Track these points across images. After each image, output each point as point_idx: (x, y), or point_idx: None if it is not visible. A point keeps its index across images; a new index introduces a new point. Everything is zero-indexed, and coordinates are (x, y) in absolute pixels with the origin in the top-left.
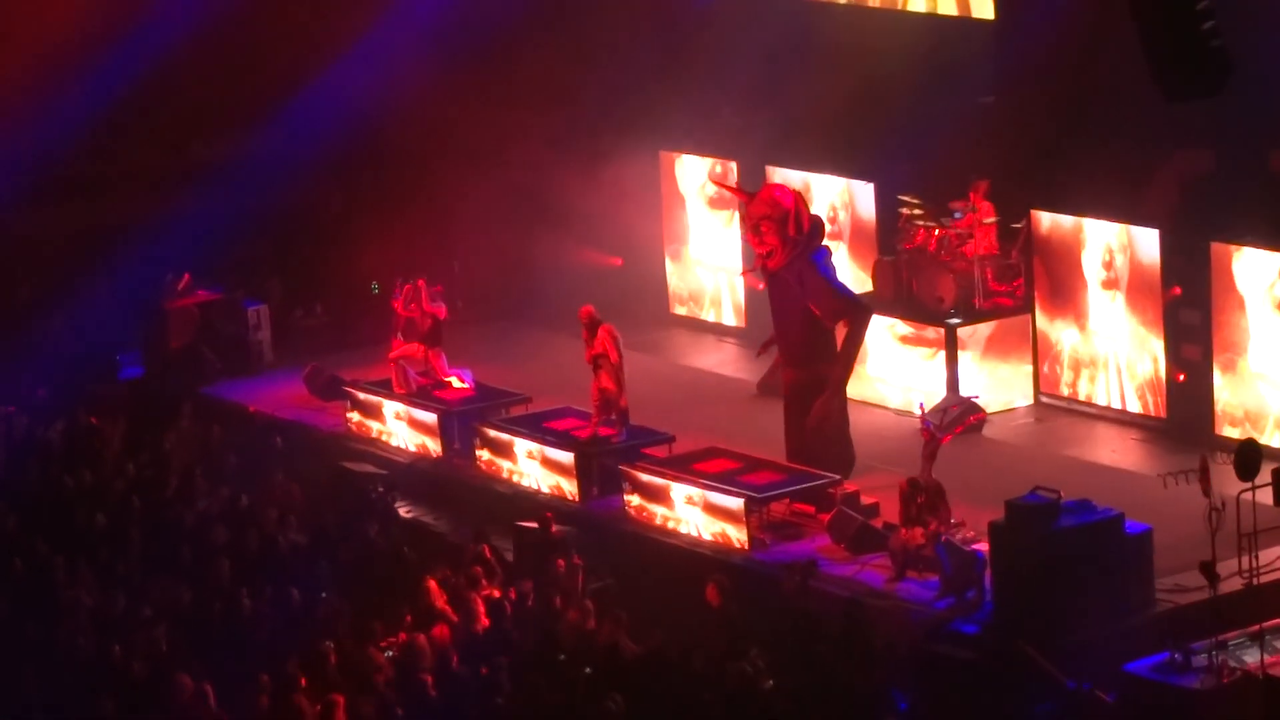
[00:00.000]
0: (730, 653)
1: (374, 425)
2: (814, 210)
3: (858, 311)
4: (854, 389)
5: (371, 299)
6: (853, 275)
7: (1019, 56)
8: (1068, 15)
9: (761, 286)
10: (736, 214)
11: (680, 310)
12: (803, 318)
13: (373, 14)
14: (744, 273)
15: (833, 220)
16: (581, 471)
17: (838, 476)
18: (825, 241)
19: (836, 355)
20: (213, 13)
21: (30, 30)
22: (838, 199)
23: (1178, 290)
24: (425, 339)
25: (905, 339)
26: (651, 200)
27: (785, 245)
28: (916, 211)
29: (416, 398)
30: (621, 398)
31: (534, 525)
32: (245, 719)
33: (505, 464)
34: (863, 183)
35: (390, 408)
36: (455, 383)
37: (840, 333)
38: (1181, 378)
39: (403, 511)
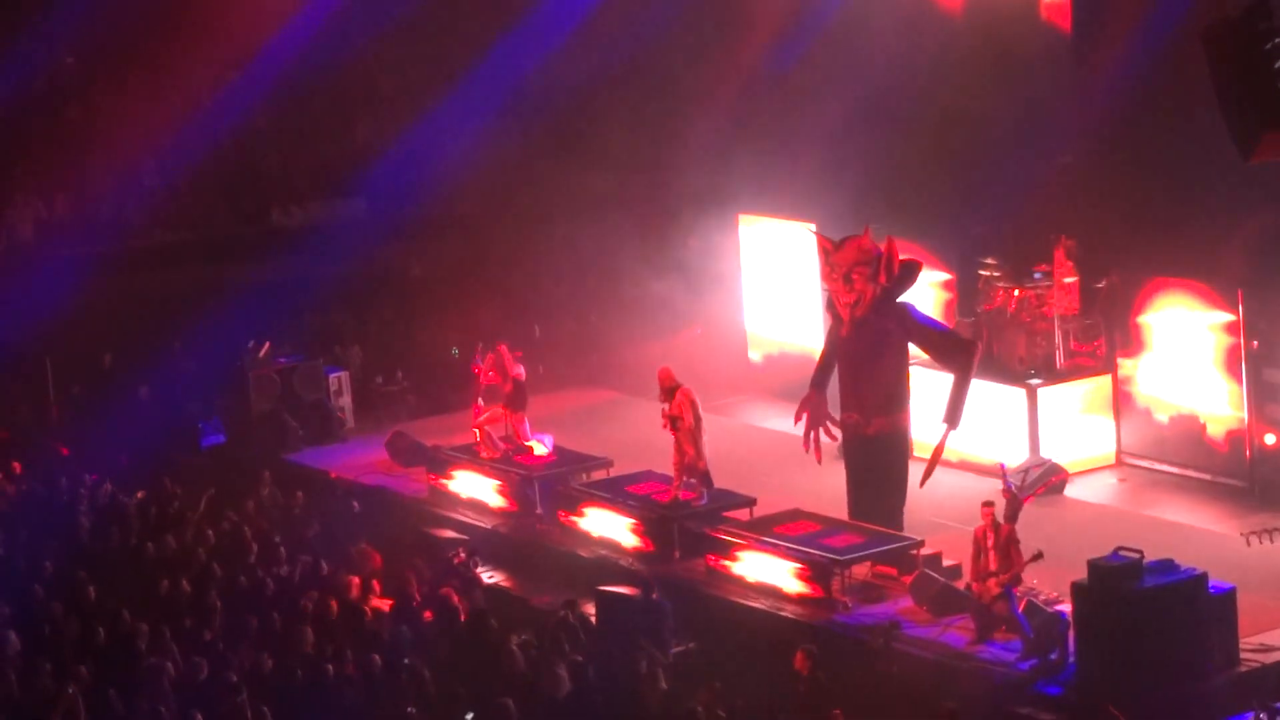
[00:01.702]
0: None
1: (456, 490)
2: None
3: (967, 348)
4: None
5: (452, 364)
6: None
7: (1099, 115)
8: (1148, 75)
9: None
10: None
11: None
12: (893, 364)
13: (453, 81)
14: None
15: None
16: (662, 535)
17: (920, 539)
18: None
19: (949, 396)
20: (292, 81)
21: (111, 99)
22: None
23: (1256, 344)
24: (508, 403)
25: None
26: (730, 263)
27: (874, 292)
28: (996, 273)
29: (499, 463)
30: (700, 461)
31: (621, 590)
32: None
33: (586, 528)
34: (941, 244)
35: (473, 473)
36: (537, 448)
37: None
38: (1272, 439)
39: (485, 577)
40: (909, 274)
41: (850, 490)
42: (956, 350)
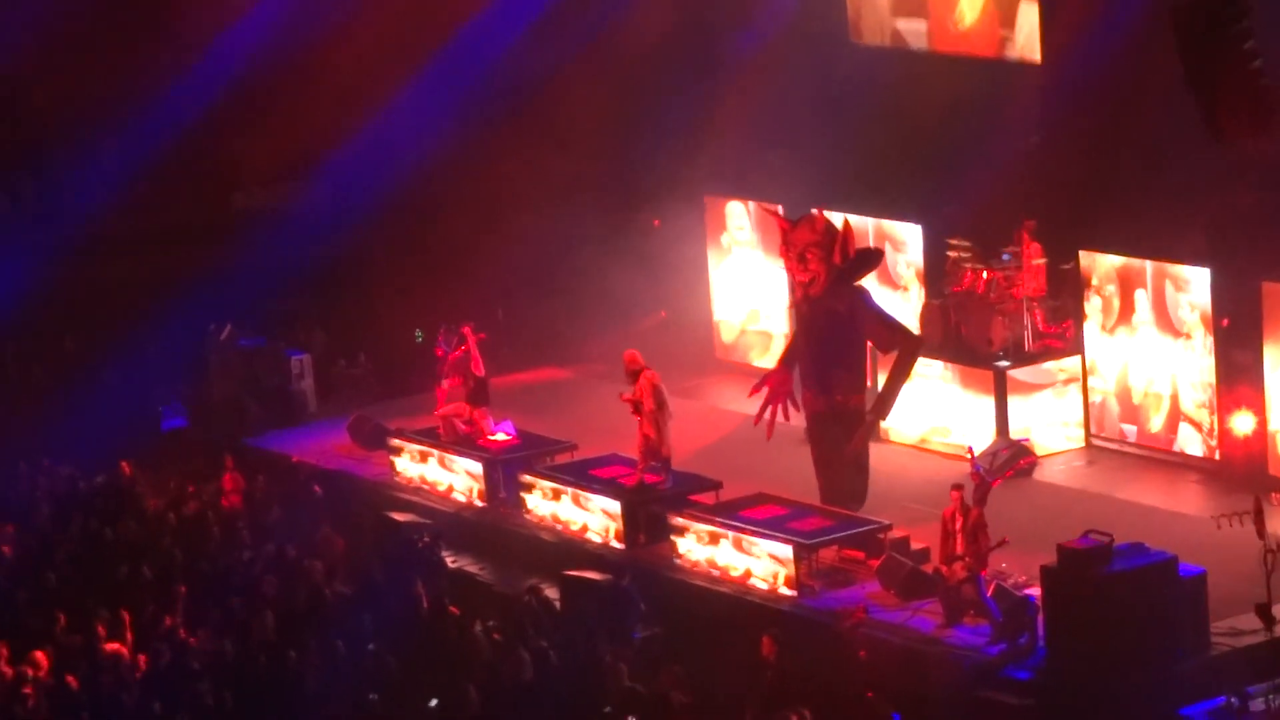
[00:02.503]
0: (782, 705)
1: (418, 475)
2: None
3: (910, 341)
4: (906, 432)
5: (415, 347)
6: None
7: (1066, 97)
8: (1114, 57)
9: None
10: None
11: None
12: (848, 347)
13: (416, 66)
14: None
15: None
16: (628, 518)
17: (888, 523)
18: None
19: (882, 387)
20: (254, 65)
21: (72, 83)
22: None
23: (1226, 322)
24: (471, 399)
25: (955, 381)
26: (696, 245)
27: (829, 273)
28: (965, 254)
29: (462, 446)
30: (664, 447)
31: (587, 575)
32: None
33: (551, 512)
34: (910, 225)
35: (436, 457)
36: (500, 438)
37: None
38: (1242, 420)
39: (448, 561)
40: (867, 260)
41: (817, 471)
42: (900, 344)
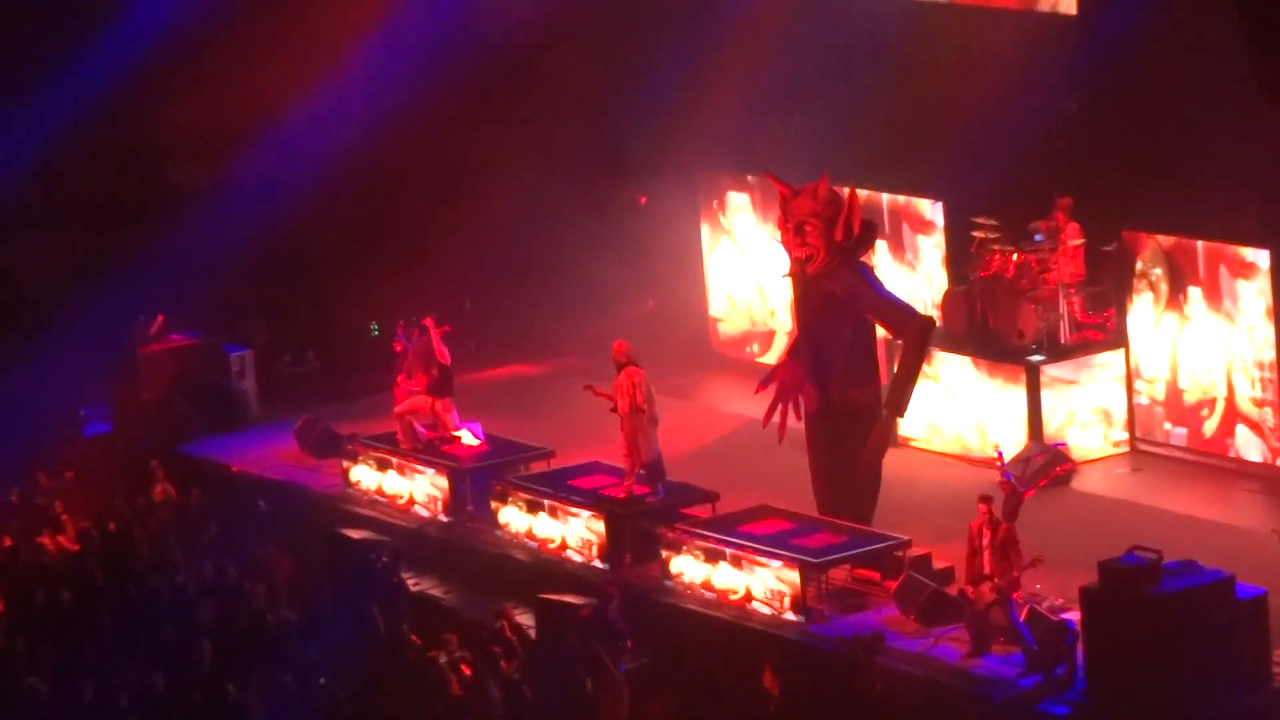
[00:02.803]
0: None
1: (375, 486)
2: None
3: (919, 326)
4: (924, 437)
5: (371, 342)
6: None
7: (1106, 55)
8: (1160, 8)
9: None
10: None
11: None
12: (850, 334)
13: (370, 26)
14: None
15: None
16: (613, 535)
17: (907, 538)
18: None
19: (892, 378)
20: (189, 21)
21: None
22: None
23: None
24: (432, 390)
25: (982, 378)
26: (690, 225)
27: (829, 249)
28: (992, 235)
29: (424, 454)
30: (642, 451)
31: (566, 599)
32: None
33: (524, 528)
34: (930, 201)
35: (394, 466)
36: (467, 437)
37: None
38: None
39: (409, 584)
40: (868, 235)
41: (814, 479)
42: (905, 326)
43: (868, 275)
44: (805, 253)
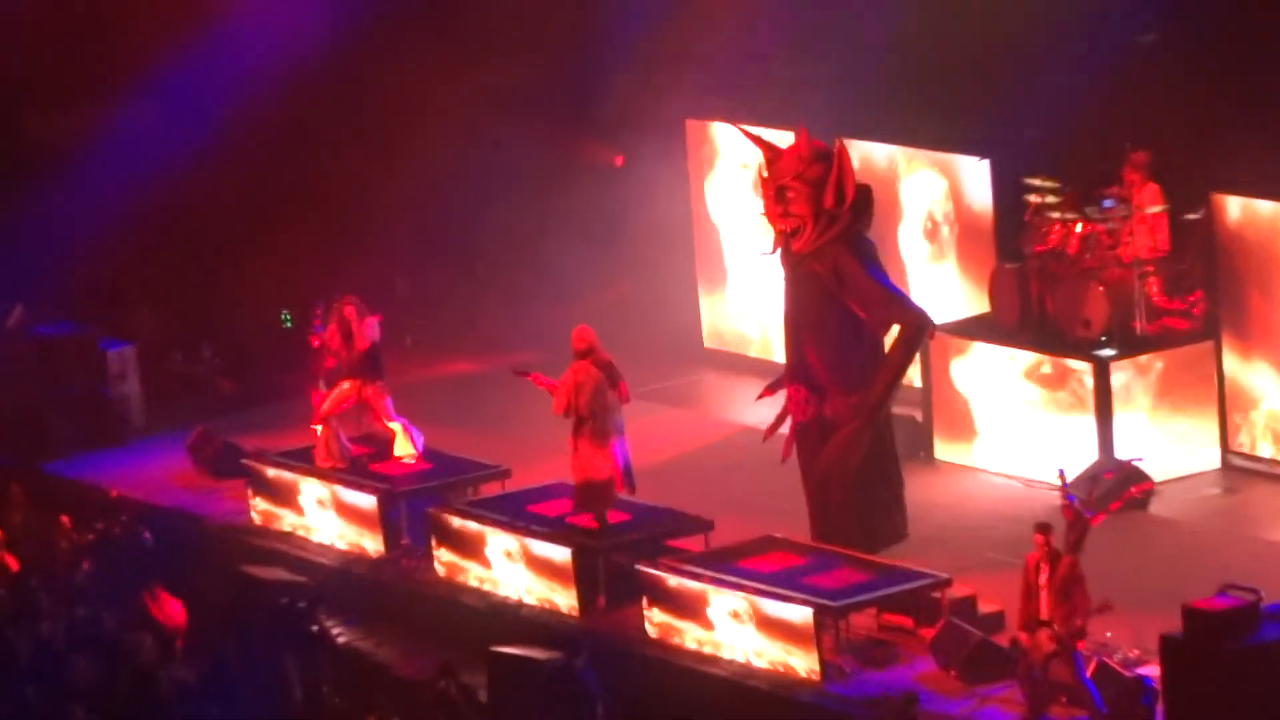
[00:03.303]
0: None
1: (288, 514)
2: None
3: (910, 320)
4: (963, 451)
5: (282, 334)
6: (961, 290)
7: None
8: None
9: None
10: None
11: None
12: (837, 324)
13: None
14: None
15: (931, 225)
16: (582, 574)
17: (945, 576)
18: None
19: (877, 373)
20: None
21: None
22: (938, 185)
23: None
24: (359, 374)
25: (1038, 379)
26: (675, 191)
27: (817, 221)
28: (1051, 199)
29: (348, 474)
30: (594, 469)
31: (525, 652)
32: None
33: (473, 566)
34: (974, 159)
35: (311, 489)
36: (402, 444)
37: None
38: None
39: (332, 634)
40: (864, 204)
41: (807, 501)
42: (892, 320)
43: (863, 251)
44: (789, 224)
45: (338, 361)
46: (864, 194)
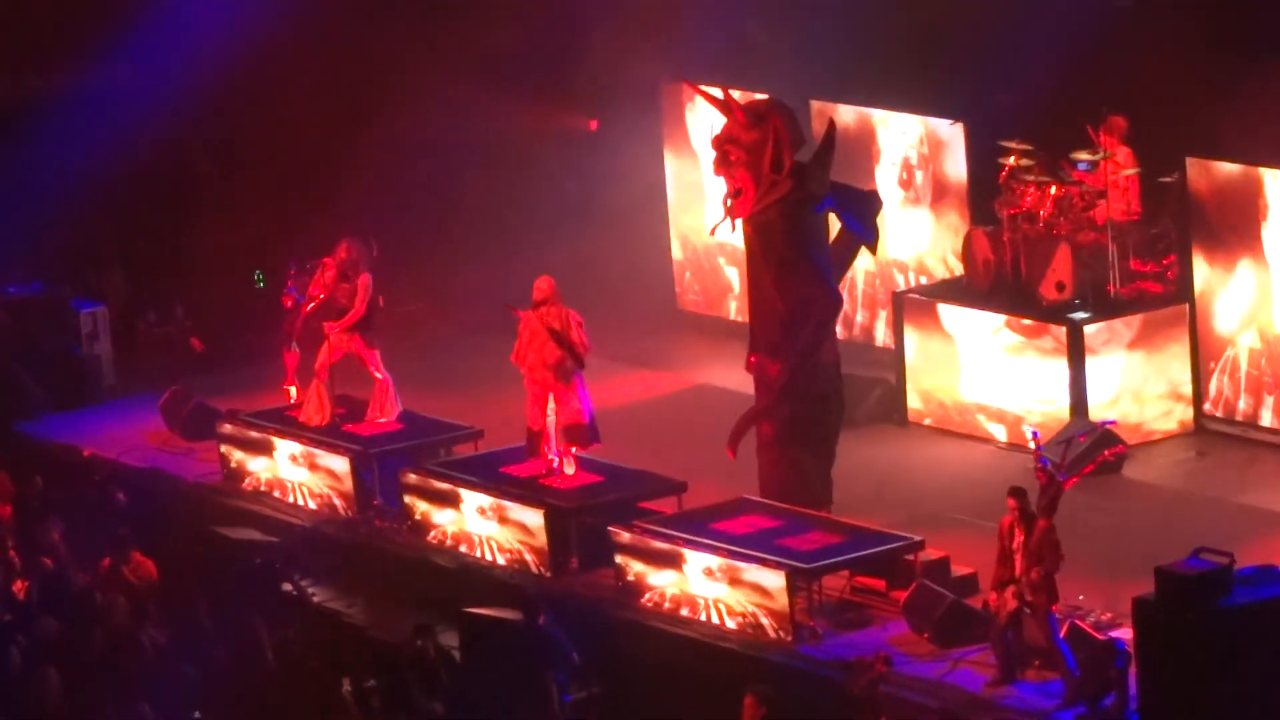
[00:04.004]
0: None
1: (260, 475)
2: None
3: (819, 301)
4: (936, 414)
5: (255, 294)
6: (938, 250)
7: None
8: None
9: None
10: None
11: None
12: (782, 284)
13: None
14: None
15: (906, 181)
16: (555, 535)
17: (918, 539)
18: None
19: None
20: None
21: None
22: (912, 146)
23: None
24: (361, 327)
25: (1013, 344)
26: (650, 153)
27: (758, 185)
28: (1025, 162)
29: (321, 435)
30: (531, 415)
31: (497, 613)
32: None
33: (445, 527)
34: (947, 122)
35: (284, 450)
36: (383, 402)
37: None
38: None
39: (306, 595)
40: (813, 168)
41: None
42: (803, 297)
43: (798, 222)
44: (734, 187)
45: (330, 306)
46: (811, 163)
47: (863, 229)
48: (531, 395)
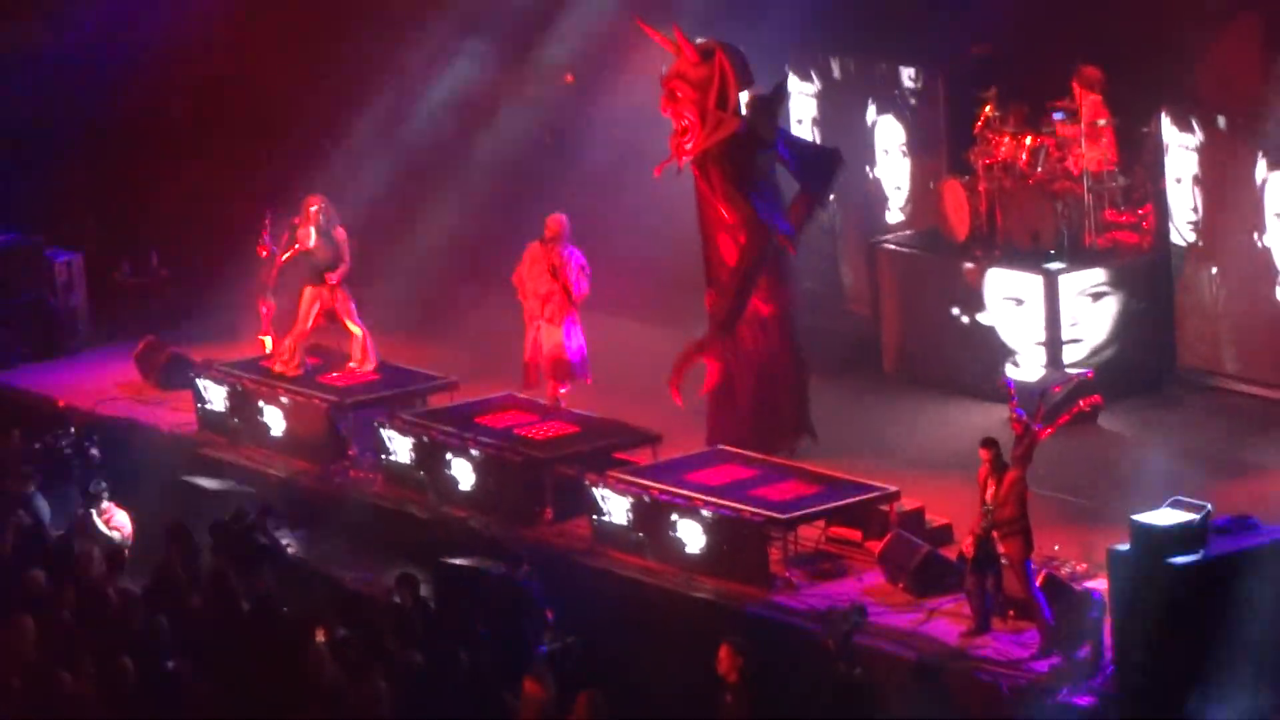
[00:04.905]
0: None
1: (235, 425)
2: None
3: (754, 239)
4: (913, 364)
5: (230, 244)
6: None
7: None
8: None
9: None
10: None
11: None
12: (719, 233)
13: None
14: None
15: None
16: (530, 487)
17: (894, 489)
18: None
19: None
20: None
21: None
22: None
23: None
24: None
25: (987, 293)
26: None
27: (704, 123)
28: (1000, 114)
29: (296, 385)
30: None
31: (472, 563)
32: None
33: (421, 477)
34: (923, 71)
35: (259, 400)
36: (360, 352)
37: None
38: None
39: (280, 545)
40: (766, 107)
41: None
42: (741, 235)
43: (742, 160)
44: (679, 124)
45: (303, 261)
46: (766, 100)
47: (810, 179)
48: (526, 325)
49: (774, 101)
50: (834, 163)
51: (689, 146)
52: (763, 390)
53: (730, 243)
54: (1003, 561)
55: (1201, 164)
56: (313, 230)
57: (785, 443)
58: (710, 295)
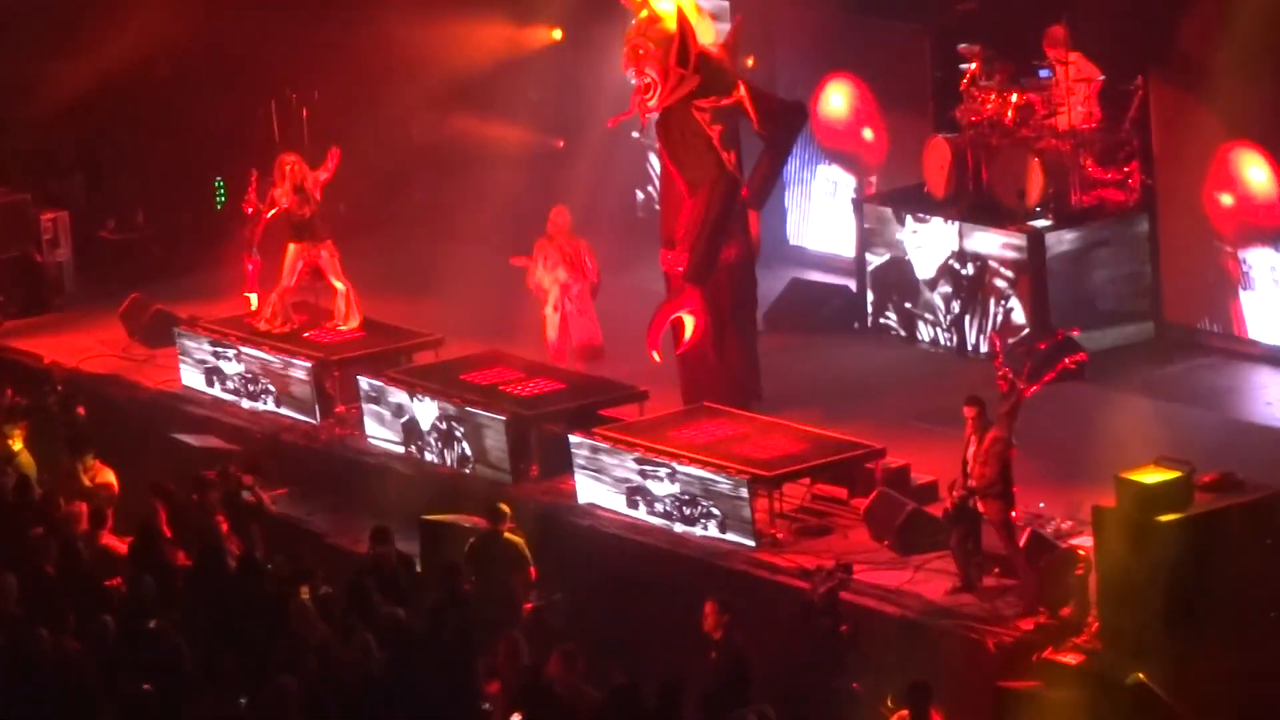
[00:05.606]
0: (732, 699)
1: (221, 382)
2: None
3: (719, 181)
4: (897, 321)
5: (215, 201)
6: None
7: None
8: None
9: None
10: None
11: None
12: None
13: None
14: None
15: None
16: (515, 443)
17: (879, 447)
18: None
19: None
20: None
21: None
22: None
23: None
24: (311, 231)
25: (974, 250)
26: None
27: (666, 80)
28: (985, 70)
29: (281, 341)
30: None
31: (454, 520)
32: None
33: (406, 434)
34: (907, 25)
35: (245, 357)
36: (345, 308)
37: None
38: None
39: (266, 502)
40: (717, 67)
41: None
42: (706, 180)
43: (708, 114)
44: (642, 81)
45: (287, 220)
46: (718, 60)
47: (772, 131)
48: (544, 306)
49: (731, 54)
50: (798, 116)
51: (652, 104)
52: (730, 342)
53: (690, 202)
54: (983, 520)
55: (1185, 122)
56: (289, 187)
57: (755, 394)
58: (664, 253)
